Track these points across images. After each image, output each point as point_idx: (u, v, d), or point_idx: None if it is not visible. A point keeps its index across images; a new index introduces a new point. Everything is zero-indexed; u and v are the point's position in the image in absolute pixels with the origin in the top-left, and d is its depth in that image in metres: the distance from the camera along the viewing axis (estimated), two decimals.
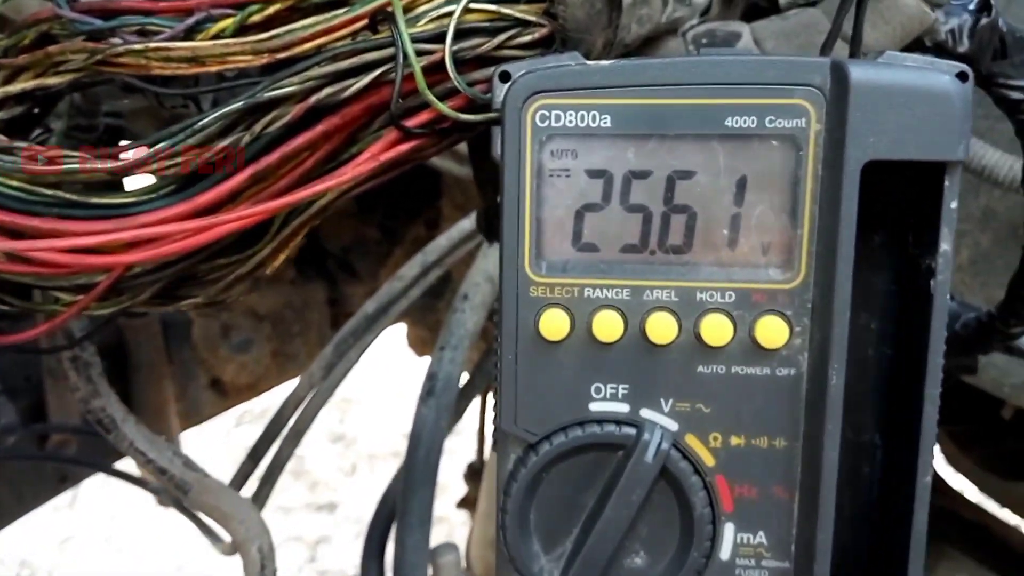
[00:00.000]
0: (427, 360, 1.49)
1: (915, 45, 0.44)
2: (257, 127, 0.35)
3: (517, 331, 0.34)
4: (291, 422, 0.63)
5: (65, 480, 1.25)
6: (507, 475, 0.35)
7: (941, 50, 0.45)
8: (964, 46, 0.44)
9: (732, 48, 0.40)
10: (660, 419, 0.34)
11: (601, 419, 0.34)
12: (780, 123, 0.31)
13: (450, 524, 1.74)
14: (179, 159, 0.36)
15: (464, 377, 0.71)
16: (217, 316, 1.41)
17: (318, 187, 0.34)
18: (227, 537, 0.59)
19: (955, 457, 1.05)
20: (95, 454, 1.23)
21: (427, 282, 0.66)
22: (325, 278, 1.48)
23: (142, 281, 0.40)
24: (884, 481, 0.36)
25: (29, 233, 0.37)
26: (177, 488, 0.51)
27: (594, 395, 0.34)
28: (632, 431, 0.34)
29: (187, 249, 0.35)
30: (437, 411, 0.64)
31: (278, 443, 0.63)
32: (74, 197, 0.37)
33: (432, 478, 0.65)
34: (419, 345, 1.33)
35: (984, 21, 0.43)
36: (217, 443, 2.48)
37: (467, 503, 1.00)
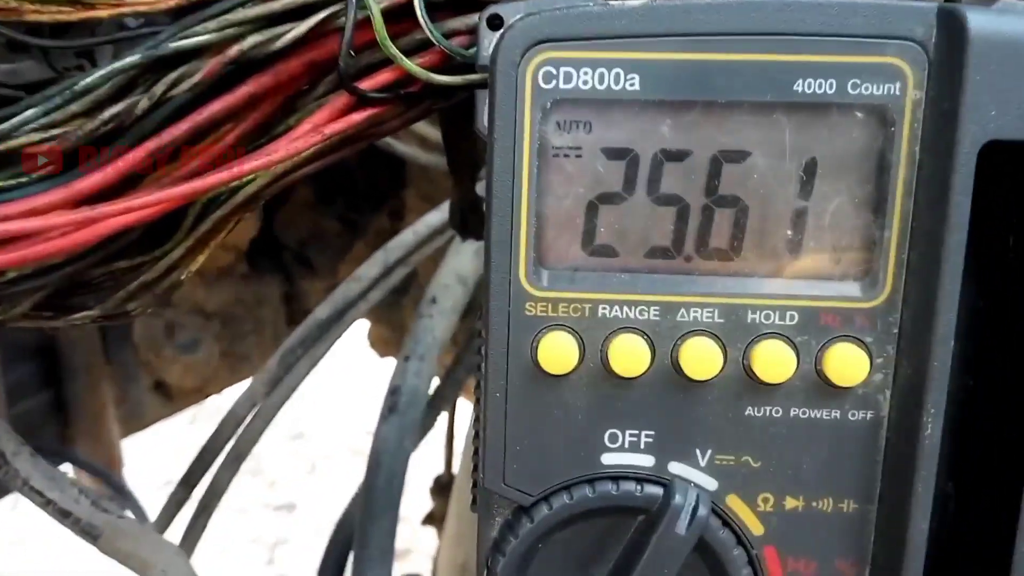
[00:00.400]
0: (389, 360, 1.41)
1: None
2: (158, 88, 0.26)
3: (508, 361, 0.26)
4: (228, 446, 0.54)
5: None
6: (491, 545, 0.27)
7: None
8: None
9: None
10: (695, 476, 0.26)
11: (617, 475, 0.27)
12: (867, 89, 0.24)
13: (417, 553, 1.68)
14: (56, 131, 0.27)
15: (432, 386, 0.63)
16: (160, 314, 1.33)
17: (242, 167, 0.26)
18: None
19: None
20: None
21: (389, 283, 0.58)
22: (280, 272, 1.40)
23: (19, 289, 0.31)
24: (953, 539, 0.29)
25: None
26: (84, 533, 0.42)
27: (609, 444, 0.27)
28: (658, 491, 0.26)
29: (67, 249, 0.26)
30: (400, 430, 0.56)
31: (213, 470, 0.54)
32: None
33: (395, 505, 0.57)
34: (381, 344, 1.25)
35: None
36: (167, 442, 2.38)
37: (433, 519, 0.93)
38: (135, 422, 1.30)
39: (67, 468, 1.18)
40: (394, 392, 0.58)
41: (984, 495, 0.28)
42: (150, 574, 0.44)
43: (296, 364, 0.55)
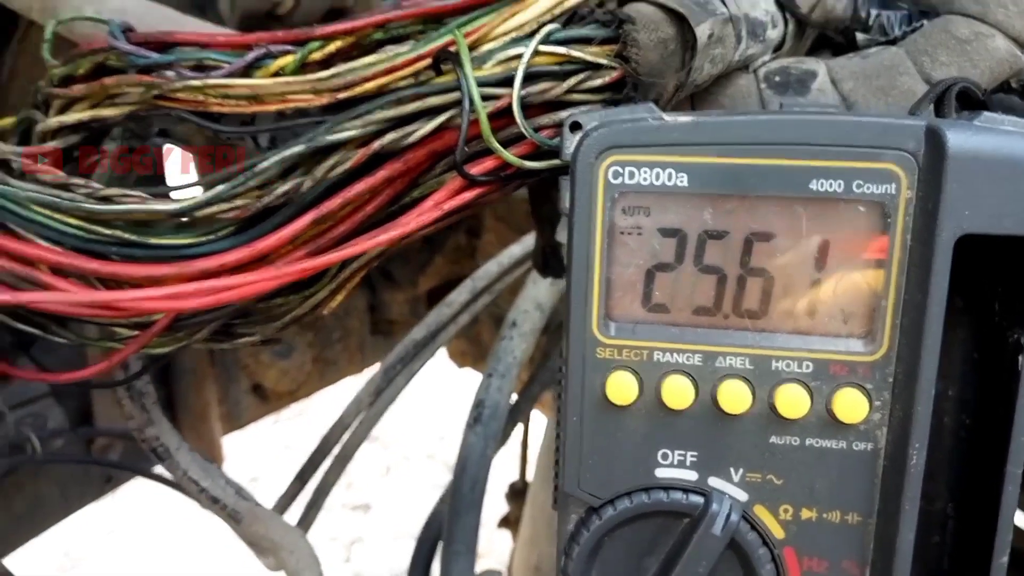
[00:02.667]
0: (466, 371, 1.48)
1: (999, 87, 0.42)
2: (319, 172, 0.35)
3: (583, 393, 0.32)
4: (337, 448, 0.63)
5: (110, 481, 1.28)
6: (568, 537, 0.34)
7: None
8: None
9: (803, 97, 0.38)
10: (730, 489, 0.32)
11: (668, 486, 0.33)
12: (868, 188, 0.29)
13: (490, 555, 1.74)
14: (238, 203, 0.35)
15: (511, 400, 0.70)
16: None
17: (381, 238, 0.34)
18: None
19: None
20: (139, 458, 1.25)
21: (475, 309, 0.65)
22: (365, 285, 1.49)
23: (200, 320, 0.40)
24: (955, 553, 0.34)
25: (89, 275, 0.37)
26: (229, 517, 0.51)
27: (661, 461, 0.33)
28: (700, 500, 0.32)
29: (246, 297, 0.35)
30: (484, 439, 0.63)
31: (325, 466, 0.63)
32: (132, 237, 0.36)
33: (478, 505, 0.64)
34: (459, 356, 1.33)
35: None
36: (255, 440, 2.51)
37: (508, 523, 0.99)
38: (234, 421, 1.39)
39: None
40: (478, 405, 0.65)
41: (977, 515, 0.34)
42: (280, 553, 0.53)
43: (396, 377, 0.63)
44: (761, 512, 0.32)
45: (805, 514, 0.32)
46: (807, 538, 0.32)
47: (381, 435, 3.03)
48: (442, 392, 2.97)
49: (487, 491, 0.69)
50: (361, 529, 2.59)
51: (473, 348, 1.32)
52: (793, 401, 0.31)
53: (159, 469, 1.03)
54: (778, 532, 0.32)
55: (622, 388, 0.32)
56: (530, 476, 0.97)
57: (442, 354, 1.50)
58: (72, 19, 0.46)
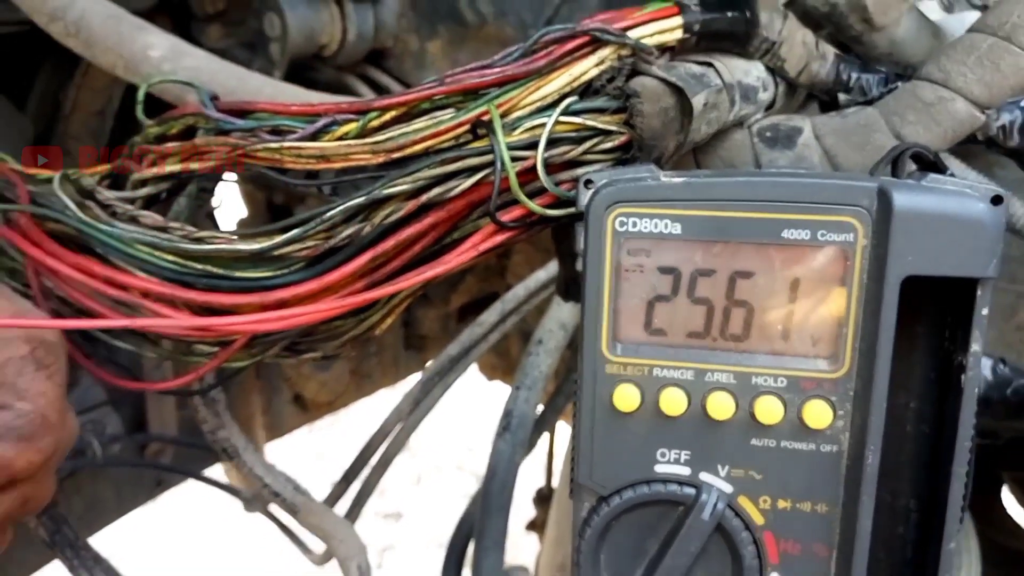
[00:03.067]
0: (493, 386, 1.54)
1: (968, 138, 0.48)
2: (376, 219, 0.42)
3: (595, 402, 0.39)
4: (379, 452, 0.69)
5: (160, 484, 1.36)
6: (581, 521, 0.41)
7: (991, 143, 0.48)
8: (1014, 141, 0.48)
9: (790, 150, 0.45)
10: (717, 482, 0.39)
11: (665, 479, 0.39)
12: (831, 236, 0.36)
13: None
14: (309, 243, 0.43)
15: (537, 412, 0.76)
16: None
17: (427, 274, 0.41)
18: (317, 548, 0.66)
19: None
20: (188, 462, 1.33)
21: (504, 328, 0.72)
22: None
23: (272, 339, 0.47)
24: (917, 542, 0.40)
25: (183, 303, 0.44)
26: (288, 509, 0.58)
27: (659, 459, 0.39)
28: (692, 491, 0.39)
29: (315, 322, 0.42)
30: (512, 446, 0.70)
31: (367, 471, 0.70)
32: (219, 271, 0.44)
33: (507, 507, 0.71)
34: (489, 369, 1.40)
35: None
36: (291, 448, 2.59)
37: (535, 526, 1.05)
38: (275, 430, 1.46)
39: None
40: (507, 415, 0.72)
41: (934, 510, 0.40)
42: (331, 543, 0.60)
43: (432, 389, 0.70)
44: (744, 502, 0.39)
45: (781, 504, 0.38)
46: (783, 524, 0.39)
47: (413, 445, 3.09)
48: (470, 406, 3.03)
49: (515, 496, 0.75)
50: (393, 537, 2.65)
51: (502, 362, 1.38)
52: (770, 410, 0.37)
53: (208, 472, 1.11)
54: (758, 519, 0.39)
55: (627, 398, 0.38)
56: (555, 483, 1.03)
57: (471, 370, 1.57)
58: (161, 82, 0.54)
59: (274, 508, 0.62)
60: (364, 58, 1.00)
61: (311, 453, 2.79)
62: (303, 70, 0.97)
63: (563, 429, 1.08)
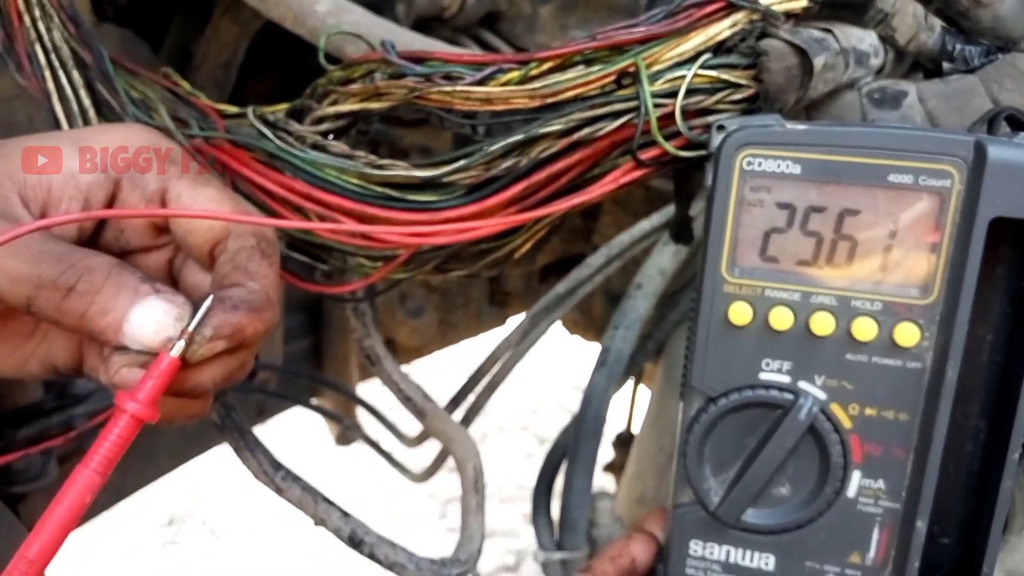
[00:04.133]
0: (559, 356, 1.61)
1: None
2: (533, 153, 0.49)
3: (711, 316, 0.46)
4: (490, 375, 0.78)
5: (263, 413, 1.47)
6: (691, 419, 0.48)
7: None
8: None
9: (896, 110, 0.51)
10: (813, 390, 0.45)
11: (768, 385, 0.46)
12: (930, 182, 0.42)
13: None
14: (472, 172, 0.51)
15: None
16: (397, 285, 1.59)
17: (574, 201, 0.48)
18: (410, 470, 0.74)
19: None
20: (293, 392, 1.44)
21: (609, 270, 0.79)
22: None
23: (427, 257, 0.55)
24: (984, 458, 0.46)
25: (363, 216, 0.52)
26: (418, 413, 0.67)
27: (764, 367, 0.46)
28: (791, 396, 0.45)
29: (477, 237, 0.50)
30: (608, 379, 0.77)
31: (478, 390, 0.78)
32: (395, 194, 0.52)
33: (598, 433, 0.78)
34: (571, 325, 1.47)
35: None
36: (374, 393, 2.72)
37: (613, 468, 1.13)
38: (368, 370, 1.57)
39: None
40: (605, 351, 0.79)
41: (1001, 430, 0.45)
42: (451, 446, 0.68)
43: (540, 323, 0.78)
44: (835, 408, 0.45)
45: (868, 411, 0.45)
46: (868, 429, 0.45)
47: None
48: (536, 370, 3.10)
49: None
50: (456, 489, 2.75)
51: (584, 319, 1.46)
52: (866, 329, 0.44)
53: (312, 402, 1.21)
54: (847, 423, 0.45)
55: (740, 313, 0.45)
56: (635, 429, 1.10)
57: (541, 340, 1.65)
58: (337, 33, 0.63)
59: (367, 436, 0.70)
60: (481, 20, 1.07)
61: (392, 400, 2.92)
62: (421, 30, 1.05)
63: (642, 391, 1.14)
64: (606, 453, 1.25)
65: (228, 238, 0.45)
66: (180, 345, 0.40)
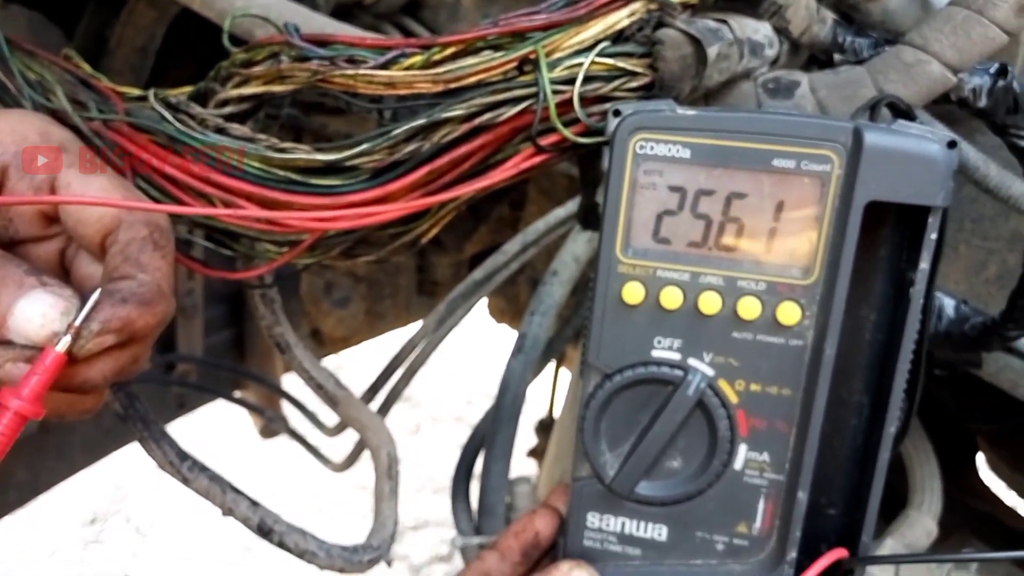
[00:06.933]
0: (501, 327, 1.62)
1: (943, 98, 0.55)
2: (434, 138, 0.50)
3: (607, 295, 0.47)
4: (407, 363, 0.78)
5: (183, 407, 1.44)
6: (588, 395, 0.49)
7: (963, 104, 0.56)
8: (983, 102, 0.55)
9: (789, 100, 0.53)
10: (701, 367, 0.47)
11: (659, 362, 0.47)
12: (811, 166, 0.43)
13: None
14: (376, 156, 0.51)
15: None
16: (322, 274, 1.57)
17: (477, 185, 0.49)
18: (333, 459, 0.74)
19: (994, 463, 1.12)
20: (214, 385, 1.40)
21: (524, 258, 0.80)
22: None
23: (333, 241, 0.55)
24: (867, 432, 0.49)
25: (265, 201, 0.52)
26: (330, 401, 0.66)
27: (655, 345, 0.47)
28: (680, 373, 0.47)
29: (380, 222, 0.50)
30: (524, 365, 0.78)
31: (395, 378, 0.78)
32: (298, 178, 0.52)
33: (515, 419, 0.79)
34: (498, 313, 1.48)
35: (1001, 83, 0.54)
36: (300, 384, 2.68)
37: (535, 454, 1.14)
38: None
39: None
40: (522, 337, 0.80)
41: (882, 406, 0.48)
42: (365, 433, 0.68)
43: (457, 310, 0.78)
44: (723, 384, 0.47)
45: (753, 387, 0.47)
46: (753, 404, 0.47)
47: (412, 396, 3.18)
48: (470, 361, 3.10)
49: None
50: None
51: (511, 307, 1.47)
52: (750, 308, 0.45)
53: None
54: (733, 398, 0.47)
55: (633, 293, 0.46)
56: (556, 414, 1.12)
57: (470, 329, 1.66)
58: (243, 15, 0.62)
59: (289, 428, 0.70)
60: (401, 8, 1.06)
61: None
62: (342, 17, 1.04)
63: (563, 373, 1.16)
64: (529, 439, 1.27)
65: (119, 228, 0.44)
66: (67, 340, 0.39)
